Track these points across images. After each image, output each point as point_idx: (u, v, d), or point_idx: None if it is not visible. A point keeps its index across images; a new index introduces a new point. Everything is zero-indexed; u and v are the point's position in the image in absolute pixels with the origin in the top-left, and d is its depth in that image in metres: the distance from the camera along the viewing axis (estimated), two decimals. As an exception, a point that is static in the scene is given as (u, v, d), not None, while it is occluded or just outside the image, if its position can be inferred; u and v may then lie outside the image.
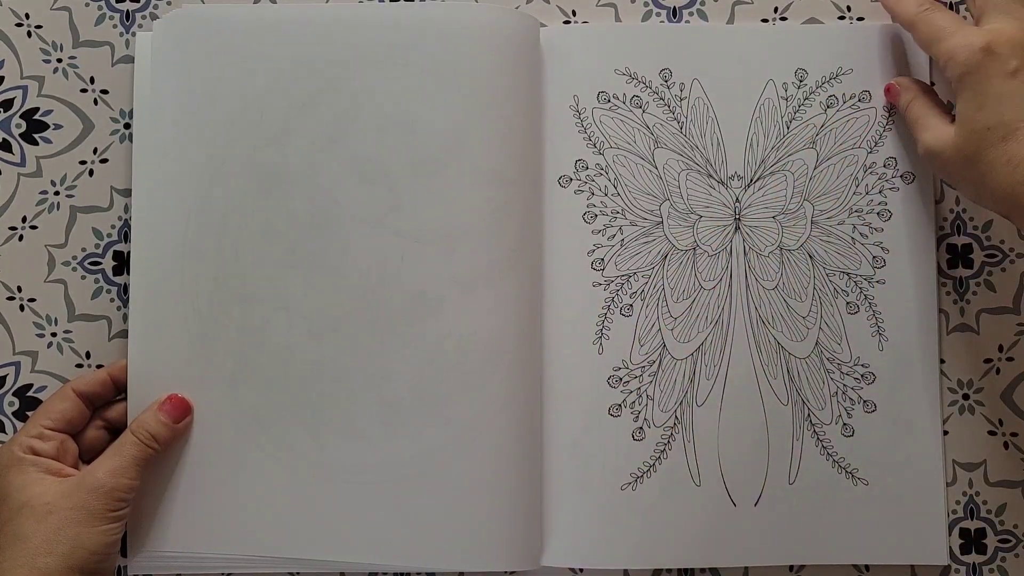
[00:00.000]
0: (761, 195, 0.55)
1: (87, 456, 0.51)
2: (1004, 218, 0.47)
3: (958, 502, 0.54)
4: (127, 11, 0.55)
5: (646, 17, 0.56)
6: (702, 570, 0.54)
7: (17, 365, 0.54)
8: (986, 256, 0.55)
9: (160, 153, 0.52)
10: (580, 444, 0.53)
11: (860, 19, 0.56)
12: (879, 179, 0.54)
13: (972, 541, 0.54)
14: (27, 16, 0.55)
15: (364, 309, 0.51)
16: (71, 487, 0.47)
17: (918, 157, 0.53)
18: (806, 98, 0.55)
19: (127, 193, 0.54)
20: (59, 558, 0.45)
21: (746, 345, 0.54)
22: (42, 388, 0.54)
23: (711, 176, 0.55)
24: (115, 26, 0.55)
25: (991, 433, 0.54)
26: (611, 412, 0.53)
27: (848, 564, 0.53)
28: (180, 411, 0.51)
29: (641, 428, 0.53)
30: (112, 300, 0.54)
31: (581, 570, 0.54)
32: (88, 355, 0.54)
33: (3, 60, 0.55)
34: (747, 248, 0.54)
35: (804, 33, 0.55)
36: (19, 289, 0.54)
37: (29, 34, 0.55)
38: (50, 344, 0.54)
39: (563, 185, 0.54)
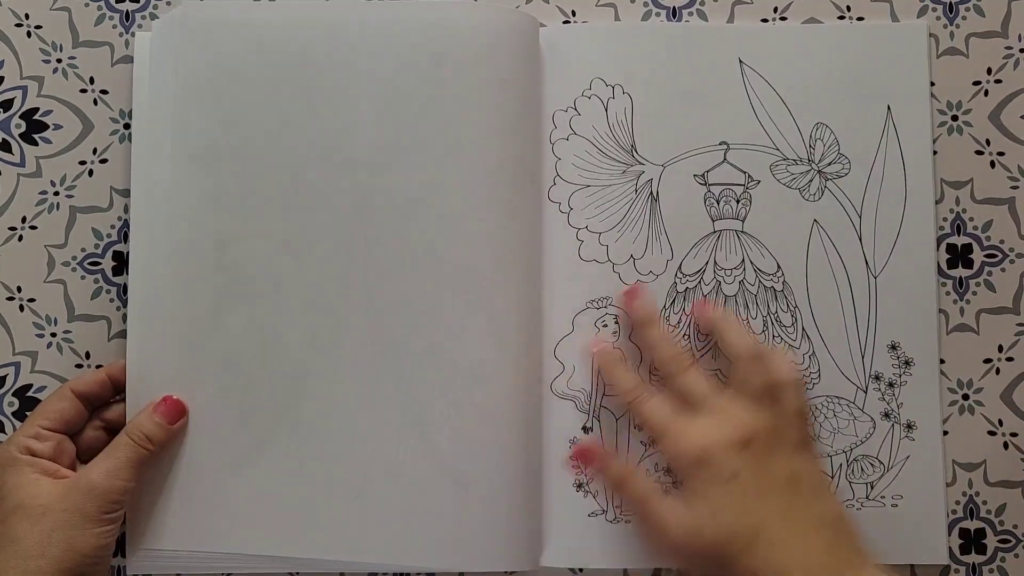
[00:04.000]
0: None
1: (85, 457, 0.50)
2: None
3: (958, 502, 0.54)
4: (127, 11, 0.55)
5: (646, 17, 0.56)
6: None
7: (17, 365, 0.54)
8: (986, 256, 0.55)
9: (159, 153, 0.52)
10: (580, 444, 0.53)
11: (860, 19, 0.55)
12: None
13: (972, 541, 0.54)
14: (27, 16, 0.55)
15: (363, 310, 0.51)
16: (66, 489, 0.46)
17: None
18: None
19: (127, 193, 0.54)
20: (51, 561, 0.45)
21: None
22: (42, 388, 0.54)
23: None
24: (115, 26, 0.55)
25: (991, 433, 0.54)
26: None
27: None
28: (175, 412, 0.50)
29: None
30: (112, 300, 0.54)
31: (581, 570, 0.54)
32: (88, 355, 0.54)
33: (3, 60, 0.55)
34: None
35: (805, 33, 0.55)
36: (19, 289, 0.54)
37: (29, 34, 0.55)
38: (50, 344, 0.54)
39: (563, 185, 0.54)
